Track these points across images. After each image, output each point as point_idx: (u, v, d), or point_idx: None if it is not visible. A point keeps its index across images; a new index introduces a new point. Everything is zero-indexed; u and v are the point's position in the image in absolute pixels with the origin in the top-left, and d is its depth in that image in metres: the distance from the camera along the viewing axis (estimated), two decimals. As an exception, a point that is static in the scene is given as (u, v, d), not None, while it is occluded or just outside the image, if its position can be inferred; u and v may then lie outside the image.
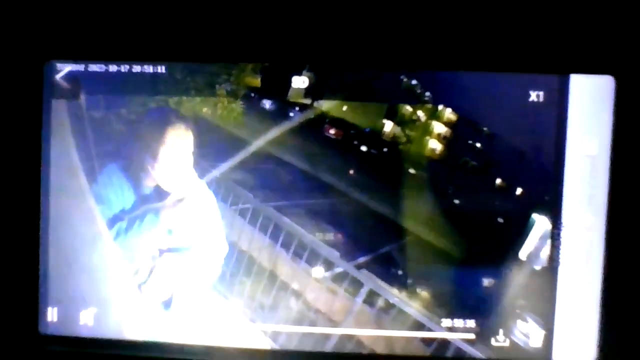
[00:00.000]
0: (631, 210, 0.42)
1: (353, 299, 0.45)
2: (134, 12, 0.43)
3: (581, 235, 0.42)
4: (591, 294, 0.42)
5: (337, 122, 0.44)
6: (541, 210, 0.43)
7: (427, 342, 0.44)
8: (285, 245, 0.45)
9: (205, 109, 0.44)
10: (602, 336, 0.42)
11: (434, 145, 0.44)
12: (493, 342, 0.44)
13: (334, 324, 0.45)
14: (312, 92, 0.44)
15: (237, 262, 0.45)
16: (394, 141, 0.44)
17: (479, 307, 0.44)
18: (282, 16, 0.42)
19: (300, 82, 0.44)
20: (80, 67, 0.44)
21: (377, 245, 0.44)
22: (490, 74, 0.43)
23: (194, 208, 0.45)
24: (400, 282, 0.44)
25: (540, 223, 0.43)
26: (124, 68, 0.44)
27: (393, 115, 0.44)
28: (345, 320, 0.45)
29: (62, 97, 0.44)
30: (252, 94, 0.44)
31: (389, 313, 0.44)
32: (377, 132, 0.44)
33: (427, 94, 0.43)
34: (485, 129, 0.43)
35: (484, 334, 0.44)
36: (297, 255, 0.45)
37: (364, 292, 0.45)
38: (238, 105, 0.44)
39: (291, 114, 0.44)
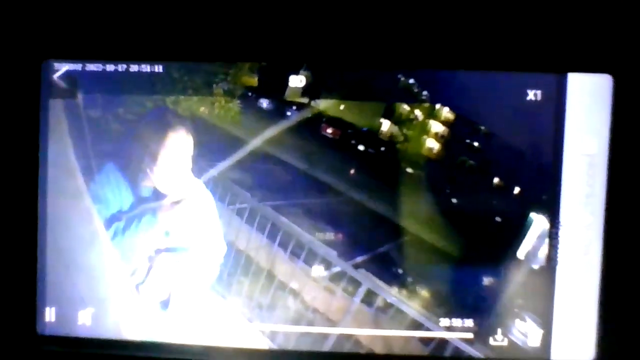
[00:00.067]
0: (629, 209, 0.42)
1: (351, 299, 0.45)
2: (132, 11, 0.43)
3: (579, 234, 0.42)
4: (589, 293, 0.42)
5: (334, 121, 0.44)
6: (539, 209, 0.43)
7: (425, 341, 0.44)
8: (283, 245, 0.45)
9: (202, 109, 0.44)
10: (601, 335, 0.42)
11: (432, 145, 0.44)
12: (491, 341, 0.44)
13: (332, 323, 0.45)
14: (309, 91, 0.44)
15: (234, 262, 0.45)
16: (391, 140, 0.44)
17: (477, 306, 0.44)
18: (279, 15, 0.42)
19: (297, 81, 0.44)
20: (77, 67, 0.44)
21: (375, 245, 0.44)
22: (488, 73, 0.43)
23: (191, 208, 0.45)
24: (398, 282, 0.44)
25: (538, 222, 0.43)
26: (121, 67, 0.44)
27: (390, 115, 0.44)
28: (343, 320, 0.45)
29: (59, 97, 0.44)
30: (250, 93, 0.44)
31: (387, 312, 0.44)
32: (375, 131, 0.44)
33: (425, 93, 0.43)
34: (482, 128, 0.43)
35: (482, 334, 0.44)
36: (295, 254, 0.45)
37: (362, 291, 0.45)
38: (235, 105, 0.44)
39: (288, 113, 0.44)
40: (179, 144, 0.45)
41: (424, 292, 0.44)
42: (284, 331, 0.45)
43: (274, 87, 0.44)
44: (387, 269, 0.44)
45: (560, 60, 0.42)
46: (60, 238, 0.44)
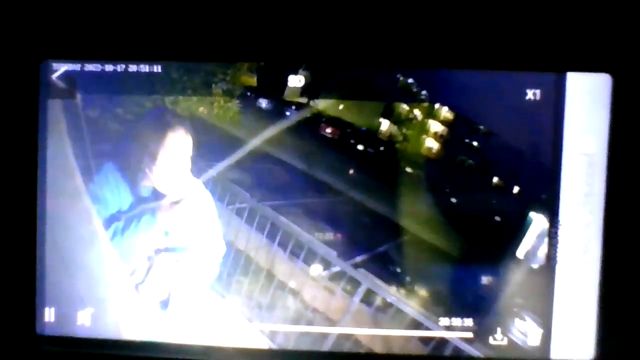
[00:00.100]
0: (628, 208, 0.42)
1: (350, 298, 0.45)
2: (130, 11, 0.43)
3: (578, 233, 0.42)
4: (589, 292, 0.42)
5: (333, 121, 0.44)
6: (538, 208, 0.43)
7: (425, 341, 0.44)
8: (283, 245, 0.45)
9: (201, 109, 0.44)
10: (600, 334, 0.42)
11: (431, 144, 0.44)
12: (491, 340, 0.44)
13: (331, 323, 0.45)
14: (308, 91, 0.44)
15: (234, 262, 0.45)
16: (390, 140, 0.44)
17: (476, 305, 0.44)
18: (278, 15, 0.42)
19: (296, 81, 0.44)
20: (76, 67, 0.44)
21: (374, 244, 0.44)
22: (487, 72, 0.43)
23: (191, 208, 0.45)
24: (397, 281, 0.44)
25: (538, 221, 0.43)
26: (120, 68, 0.44)
27: (389, 114, 0.44)
28: (342, 320, 0.45)
29: (58, 97, 0.44)
30: (249, 93, 0.44)
31: (386, 312, 0.44)
32: (374, 131, 0.44)
33: (424, 92, 0.43)
34: (482, 127, 0.43)
35: (481, 333, 0.44)
36: (294, 254, 0.45)
37: (361, 291, 0.45)
38: (234, 105, 0.44)
39: (287, 113, 0.44)
40: (178, 144, 0.45)
41: (424, 292, 0.44)
42: (283, 331, 0.45)
43: (273, 87, 0.44)
44: (387, 268, 0.44)
45: (560, 59, 0.42)
46: (60, 238, 0.44)
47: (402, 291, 0.44)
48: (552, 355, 0.43)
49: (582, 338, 0.43)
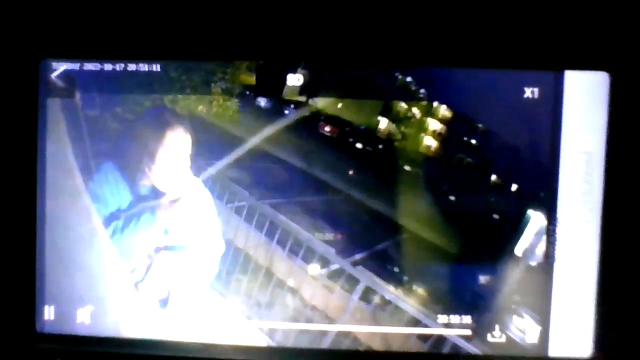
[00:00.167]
0: (626, 206, 0.42)
1: (349, 296, 0.45)
2: (129, 11, 0.43)
3: (577, 231, 0.43)
4: (587, 290, 0.42)
5: (332, 119, 0.44)
6: (536, 206, 0.43)
7: (423, 338, 0.44)
8: (281, 243, 0.45)
9: (200, 107, 0.44)
10: (598, 331, 0.42)
11: (429, 142, 0.44)
12: (489, 337, 0.44)
13: (330, 320, 0.45)
14: (307, 89, 0.44)
15: (233, 260, 0.45)
16: (389, 138, 0.44)
17: (475, 303, 0.44)
18: (277, 14, 0.42)
19: (295, 79, 0.44)
20: (75, 66, 0.44)
21: (373, 242, 0.44)
22: (485, 70, 0.43)
23: (190, 206, 0.45)
24: (396, 279, 0.44)
25: (536, 219, 0.43)
26: (119, 67, 0.44)
27: (388, 113, 0.44)
28: (341, 317, 0.45)
29: (57, 96, 0.44)
30: (247, 92, 0.44)
31: (385, 309, 0.45)
32: (372, 129, 0.44)
33: (422, 91, 0.44)
34: (480, 125, 0.43)
35: (480, 330, 0.44)
36: (293, 252, 0.45)
37: (360, 288, 0.45)
38: (233, 103, 0.44)
39: (286, 112, 0.44)
40: (177, 143, 0.45)
41: (422, 289, 0.44)
42: (282, 328, 0.45)
43: (272, 85, 0.44)
44: (385, 266, 0.44)
45: (558, 57, 0.42)
46: (59, 237, 0.44)
47: (401, 289, 0.44)
48: (550, 353, 0.43)
49: (580, 335, 0.43)
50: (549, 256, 0.43)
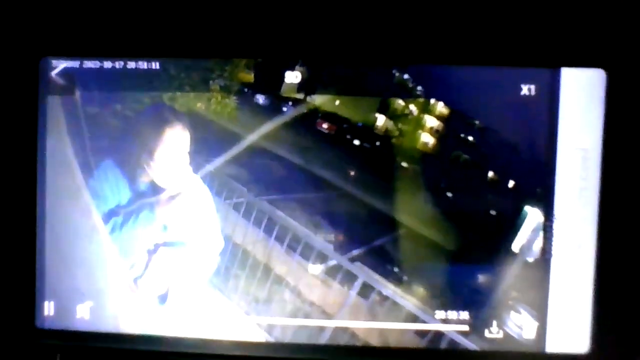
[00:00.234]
0: (623, 202, 0.42)
1: (347, 292, 0.45)
2: (128, 8, 0.43)
3: (573, 227, 0.43)
4: (584, 285, 0.43)
5: (330, 116, 0.45)
6: (533, 202, 0.43)
7: (421, 334, 0.44)
8: (279, 239, 0.45)
9: (199, 105, 0.45)
10: (595, 327, 0.43)
11: (427, 139, 0.44)
12: (487, 333, 0.44)
13: (328, 316, 0.45)
14: (305, 87, 0.44)
15: (231, 256, 0.46)
16: (386, 135, 0.44)
17: (472, 299, 0.44)
18: (275, 12, 0.42)
19: (293, 77, 0.44)
20: (75, 64, 0.44)
21: (370, 238, 0.45)
22: (482, 67, 0.43)
23: (189, 202, 0.46)
24: (394, 275, 0.44)
25: (533, 215, 0.43)
26: (119, 64, 0.44)
27: (385, 110, 0.44)
28: (339, 313, 0.45)
29: (57, 94, 0.44)
30: (246, 90, 0.45)
31: (383, 305, 0.45)
32: (370, 126, 0.44)
33: (419, 88, 0.44)
34: (477, 122, 0.44)
35: (477, 326, 0.44)
36: (291, 248, 0.45)
37: (357, 284, 0.45)
38: (232, 101, 0.45)
39: (284, 109, 0.45)
40: (176, 140, 0.45)
41: (420, 285, 0.44)
42: (280, 324, 0.45)
43: (270, 83, 0.45)
44: (383, 262, 0.44)
45: (554, 54, 0.42)
46: (59, 232, 0.45)
47: (398, 285, 0.44)
48: (547, 348, 0.43)
49: (577, 331, 0.43)
50: (546, 252, 0.43)
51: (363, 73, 0.44)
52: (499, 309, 0.44)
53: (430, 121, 0.44)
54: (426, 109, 0.44)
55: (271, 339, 0.45)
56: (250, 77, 0.44)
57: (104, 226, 0.45)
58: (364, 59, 0.44)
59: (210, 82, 0.44)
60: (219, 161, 0.44)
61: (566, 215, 0.43)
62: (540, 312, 0.43)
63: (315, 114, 0.45)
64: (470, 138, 0.44)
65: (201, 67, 0.44)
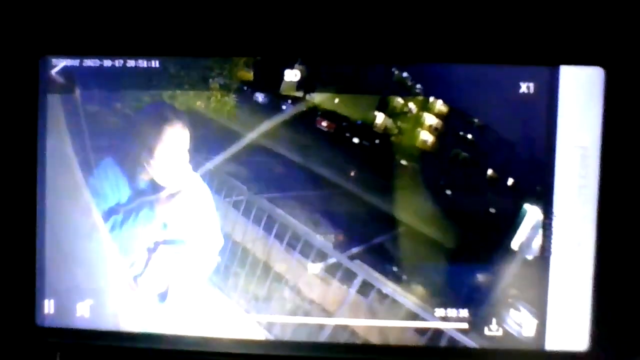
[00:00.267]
0: (622, 200, 0.42)
1: (347, 290, 0.45)
2: (128, 7, 0.43)
3: (573, 225, 0.43)
4: (583, 283, 0.43)
5: (329, 114, 0.45)
6: (533, 200, 0.43)
7: (420, 331, 0.44)
8: (279, 237, 0.46)
9: (199, 103, 0.45)
10: (594, 325, 0.43)
11: (426, 137, 0.44)
12: (486, 331, 0.44)
13: (328, 314, 0.45)
14: (304, 85, 0.44)
15: (231, 254, 0.46)
16: (385, 133, 0.45)
17: (471, 296, 0.44)
18: (274, 10, 0.43)
19: (292, 75, 0.44)
20: (75, 62, 0.45)
21: (370, 236, 0.45)
22: (481, 65, 0.43)
23: (189, 201, 0.46)
24: (393, 273, 0.44)
25: (532, 213, 0.43)
26: (119, 63, 0.44)
27: (384, 108, 0.44)
28: (339, 311, 0.45)
29: (57, 92, 0.45)
30: (245, 88, 0.45)
31: (382, 303, 0.45)
32: (369, 124, 0.45)
33: (418, 86, 0.44)
34: (476, 120, 0.44)
35: (477, 324, 0.44)
36: (291, 246, 0.45)
37: (357, 282, 0.45)
38: (231, 99, 0.45)
39: (284, 107, 0.45)
40: (176, 138, 0.45)
41: (419, 283, 0.44)
42: (280, 322, 0.45)
43: (270, 81, 0.45)
44: (383, 260, 0.44)
45: (553, 53, 0.42)
46: (59, 231, 0.45)
47: (398, 283, 0.44)
48: (546, 346, 0.43)
49: (576, 329, 0.43)
50: (545, 250, 0.43)
51: (362, 71, 0.44)
52: (499, 306, 0.44)
53: (430, 119, 0.44)
54: (425, 107, 0.44)
55: (271, 337, 0.45)
56: (249, 75, 0.45)
57: (103, 224, 0.45)
58: (363, 57, 0.44)
59: (210, 80, 0.44)
60: (218, 159, 0.45)
61: (565, 213, 0.43)
62: (540, 310, 0.43)
63: (315, 112, 0.45)
64: (470, 136, 0.44)
65: (201, 66, 0.44)
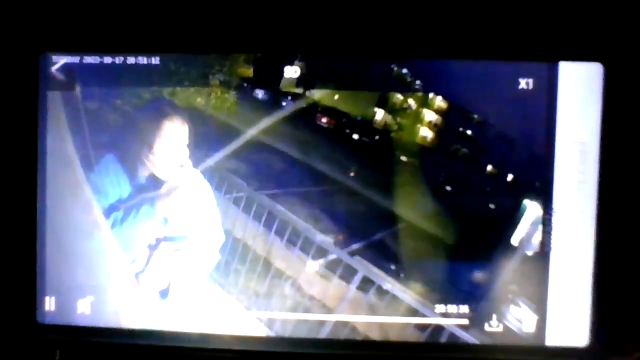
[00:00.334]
0: (621, 195, 0.42)
1: (347, 286, 0.45)
2: (128, 4, 0.43)
3: (572, 220, 0.43)
4: (583, 278, 0.43)
5: (329, 111, 0.45)
6: (532, 196, 0.43)
7: (421, 327, 0.45)
8: (279, 233, 0.46)
9: (199, 99, 0.45)
10: (595, 320, 0.43)
11: (425, 133, 0.45)
12: (486, 327, 0.44)
13: (328, 310, 0.45)
14: (304, 81, 0.44)
15: (231, 250, 0.46)
16: (385, 129, 0.45)
17: (472, 292, 0.44)
18: (274, 7, 0.43)
19: (292, 71, 0.44)
20: (75, 59, 0.45)
21: (370, 232, 0.45)
22: (480, 61, 0.43)
23: (189, 197, 0.46)
24: (393, 269, 0.45)
25: (532, 209, 0.43)
26: (119, 60, 0.45)
27: (384, 104, 0.44)
28: (339, 307, 0.45)
29: (57, 89, 0.45)
30: (245, 84, 0.45)
31: (383, 299, 0.45)
32: (369, 120, 0.45)
33: (418, 82, 0.44)
34: (475, 116, 0.44)
35: (477, 320, 0.44)
36: (291, 242, 0.45)
37: (357, 278, 0.45)
38: (231, 95, 0.45)
39: (283, 104, 0.45)
40: (176, 135, 0.45)
41: (419, 279, 0.44)
42: (280, 318, 0.45)
43: (269, 77, 0.45)
44: (383, 256, 0.45)
45: (552, 49, 0.42)
46: (60, 228, 0.45)
47: (398, 279, 0.44)
48: (547, 342, 0.43)
49: (576, 324, 0.43)
50: (545, 245, 0.43)
51: (362, 67, 0.44)
52: (499, 302, 0.44)
53: (429, 115, 0.44)
54: (425, 103, 0.44)
55: (271, 334, 0.45)
56: (249, 72, 0.45)
57: (104, 221, 0.45)
58: (362, 54, 0.44)
59: (210, 77, 0.45)
60: (218, 156, 0.45)
61: (565, 208, 0.43)
62: (540, 306, 0.43)
63: (315, 108, 0.45)
64: (469, 132, 0.44)
65: (201, 62, 0.44)
